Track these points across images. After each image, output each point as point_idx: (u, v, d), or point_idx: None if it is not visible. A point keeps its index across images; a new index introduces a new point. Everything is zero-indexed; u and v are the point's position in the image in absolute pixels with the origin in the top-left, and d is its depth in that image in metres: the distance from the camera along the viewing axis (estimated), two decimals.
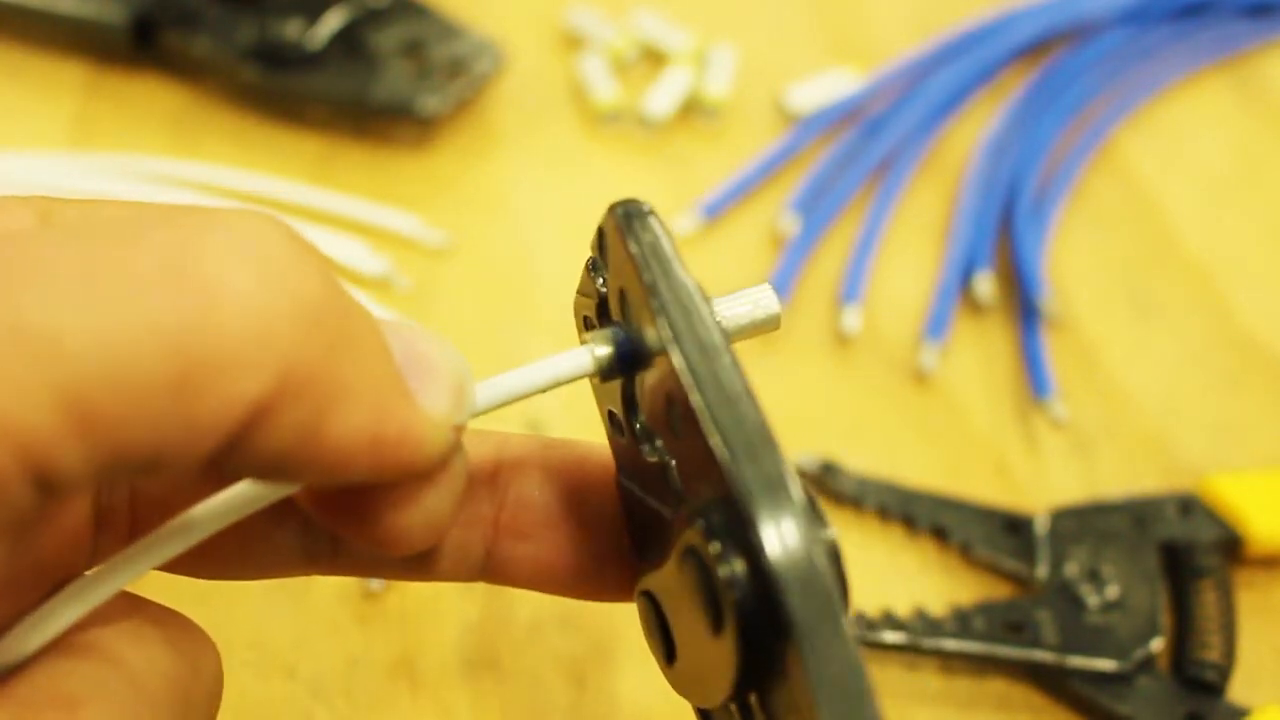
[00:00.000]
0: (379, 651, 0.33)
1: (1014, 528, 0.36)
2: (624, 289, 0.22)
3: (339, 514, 0.20)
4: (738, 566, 0.18)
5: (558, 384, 0.22)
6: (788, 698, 0.18)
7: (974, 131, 0.50)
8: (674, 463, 0.21)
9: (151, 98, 0.48)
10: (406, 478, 0.20)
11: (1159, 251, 0.47)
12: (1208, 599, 0.34)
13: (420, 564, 0.24)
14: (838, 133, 0.49)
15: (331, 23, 0.46)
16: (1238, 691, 0.33)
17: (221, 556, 0.22)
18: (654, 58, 0.52)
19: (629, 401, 0.23)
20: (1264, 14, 0.57)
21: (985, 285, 0.43)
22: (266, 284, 0.16)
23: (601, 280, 0.23)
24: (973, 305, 0.44)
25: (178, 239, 0.16)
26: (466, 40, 0.48)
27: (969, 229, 0.45)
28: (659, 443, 0.22)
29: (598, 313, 0.23)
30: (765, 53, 0.53)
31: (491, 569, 0.24)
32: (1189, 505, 0.36)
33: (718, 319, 0.21)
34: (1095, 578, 0.34)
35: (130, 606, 0.20)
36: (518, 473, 0.24)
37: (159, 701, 0.19)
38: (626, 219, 0.21)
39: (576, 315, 0.25)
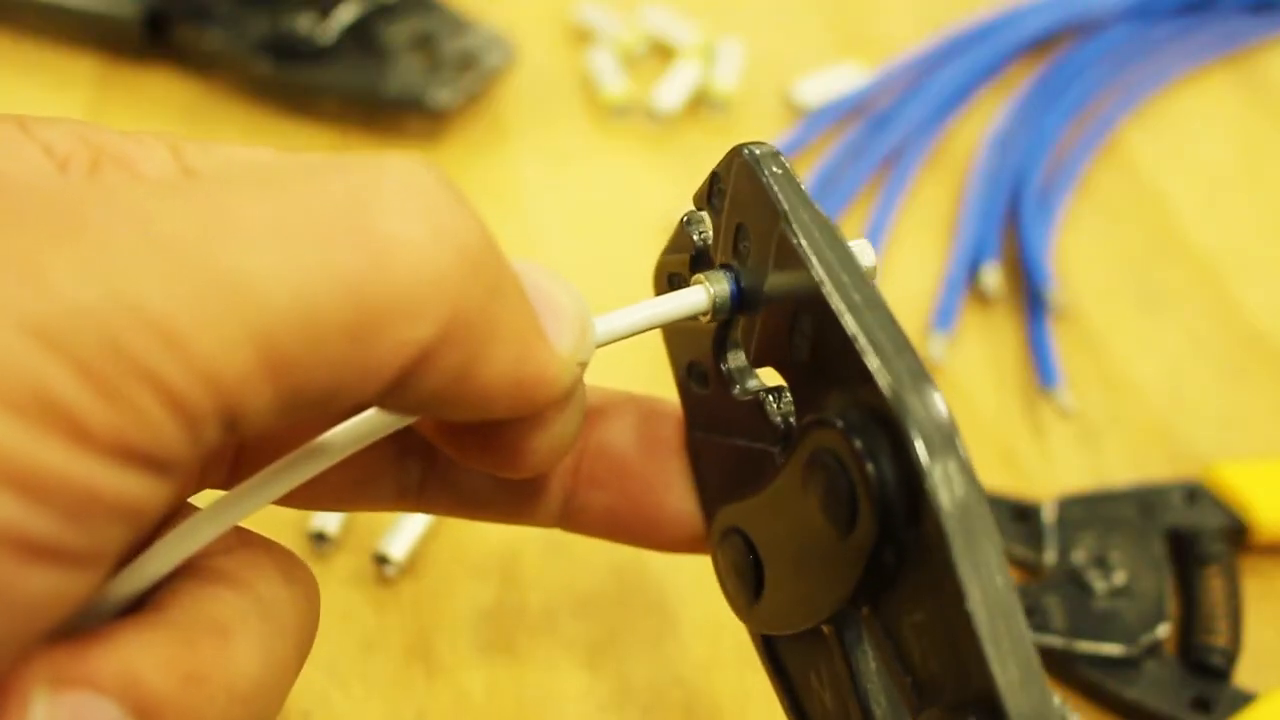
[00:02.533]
0: (394, 636, 0.33)
1: (1022, 515, 0.36)
2: (744, 224, 0.23)
3: (466, 440, 0.21)
4: (883, 462, 0.19)
5: (671, 320, 0.23)
6: (913, 597, 0.19)
7: (981, 125, 0.51)
8: (779, 396, 0.23)
9: (163, 91, 0.48)
10: (538, 411, 0.20)
11: (1164, 244, 0.47)
12: (1214, 585, 0.34)
13: (503, 507, 0.25)
14: (845, 126, 0.50)
15: (343, 16, 0.47)
16: (1244, 676, 0.33)
17: (325, 487, 0.22)
18: (663, 52, 0.53)
19: (720, 345, 0.24)
20: (1267, 10, 0.57)
21: (992, 277, 0.44)
22: (437, 235, 0.17)
23: (701, 231, 0.24)
24: (980, 297, 0.44)
25: (354, 189, 0.17)
26: (477, 34, 0.48)
27: (976, 221, 0.46)
28: (752, 382, 0.23)
29: (690, 268, 0.24)
30: (773, 47, 0.53)
31: (569, 515, 0.25)
32: (1195, 493, 0.37)
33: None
34: (1103, 564, 0.35)
35: (244, 538, 0.20)
36: (597, 422, 0.25)
37: (288, 630, 0.19)
38: (756, 156, 0.22)
39: (659, 275, 0.26)
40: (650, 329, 0.23)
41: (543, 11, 0.54)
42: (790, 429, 0.23)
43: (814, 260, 0.21)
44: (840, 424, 0.19)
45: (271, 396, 0.16)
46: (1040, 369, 0.41)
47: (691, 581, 0.35)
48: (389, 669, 0.32)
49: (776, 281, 0.22)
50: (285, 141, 0.47)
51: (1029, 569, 0.36)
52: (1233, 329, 0.44)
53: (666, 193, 0.47)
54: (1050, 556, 0.35)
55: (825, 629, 0.21)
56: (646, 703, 0.32)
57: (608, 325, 0.22)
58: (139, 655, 0.17)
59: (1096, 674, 0.33)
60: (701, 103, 0.50)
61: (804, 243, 0.21)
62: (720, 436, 0.24)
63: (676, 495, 0.25)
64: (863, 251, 0.21)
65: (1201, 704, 0.32)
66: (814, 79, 0.51)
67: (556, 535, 0.36)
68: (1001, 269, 0.44)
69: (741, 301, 0.23)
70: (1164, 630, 0.33)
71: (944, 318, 0.42)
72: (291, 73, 0.46)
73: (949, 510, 0.18)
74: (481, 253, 0.18)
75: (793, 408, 0.23)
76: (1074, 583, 0.34)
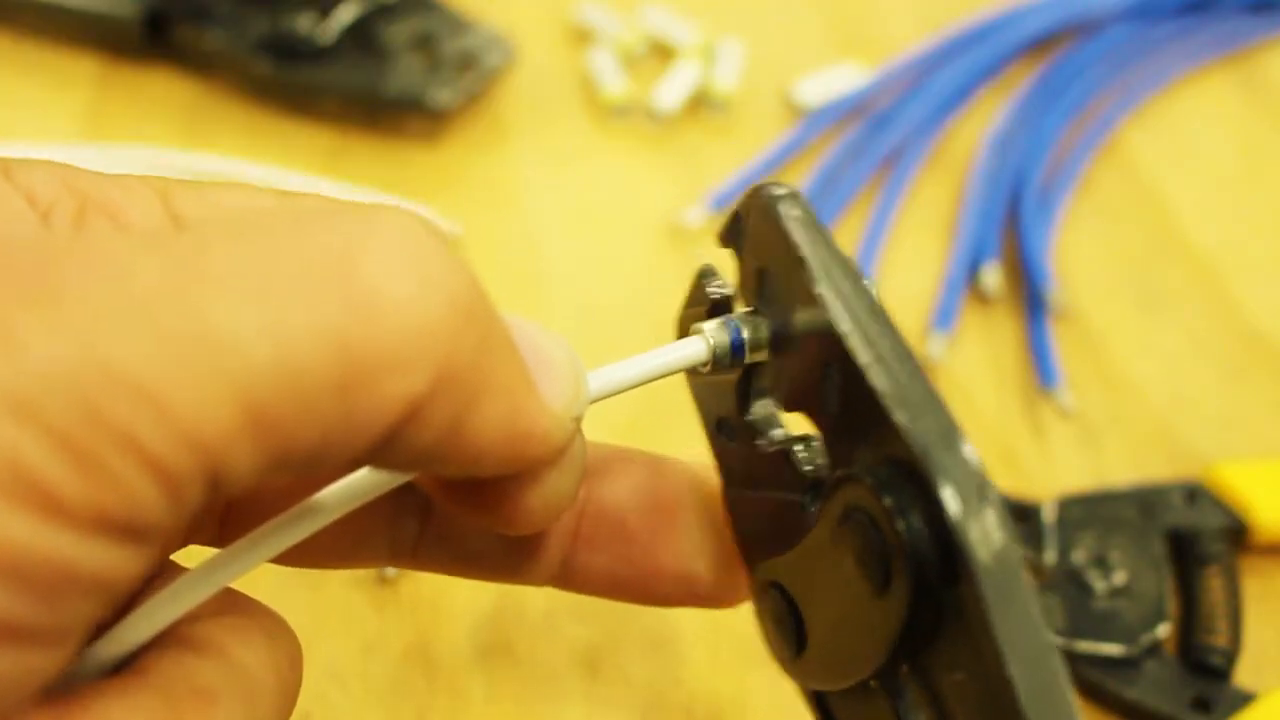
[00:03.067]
0: (394, 638, 0.33)
1: (1022, 515, 0.36)
2: (767, 269, 0.22)
3: (462, 496, 0.21)
4: (914, 519, 0.18)
5: (669, 373, 0.23)
6: (951, 656, 0.19)
7: (981, 125, 0.51)
8: (807, 444, 0.22)
9: (163, 91, 0.48)
10: (532, 468, 0.20)
11: (1164, 244, 0.47)
12: (1214, 585, 0.34)
13: (499, 566, 0.25)
14: (845, 126, 0.50)
15: (343, 16, 0.47)
16: (1244, 676, 0.33)
17: (316, 546, 0.22)
18: (662, 52, 0.53)
19: (743, 395, 0.23)
20: (1267, 10, 0.57)
21: (992, 277, 0.44)
22: (426, 287, 0.17)
23: (717, 285, 0.24)
24: (980, 297, 0.44)
25: (341, 242, 0.17)
26: (477, 34, 0.48)
27: (976, 221, 0.46)
28: (777, 432, 0.23)
29: (709, 317, 0.24)
30: (773, 47, 0.53)
31: (566, 576, 0.25)
32: (1195, 493, 0.37)
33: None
34: (1102, 564, 0.35)
35: (230, 599, 0.20)
36: (598, 482, 0.25)
37: (270, 695, 0.19)
38: (774, 198, 0.22)
39: (680, 329, 0.25)
40: (648, 382, 0.23)
41: (543, 11, 0.54)
42: (821, 479, 0.22)
43: (839, 309, 0.20)
44: (870, 480, 0.19)
45: (257, 455, 0.16)
46: (1040, 369, 0.41)
47: None
48: (389, 670, 0.32)
49: (802, 328, 0.21)
50: (285, 141, 0.47)
51: (1029, 569, 0.36)
52: (1233, 329, 0.44)
53: (666, 193, 0.47)
54: (1050, 556, 0.35)
55: (872, 683, 0.21)
56: (646, 703, 0.32)
57: (603, 379, 0.22)
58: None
59: (1096, 674, 0.33)
60: (701, 103, 0.50)
61: (826, 291, 0.20)
62: (753, 490, 0.24)
63: (676, 556, 0.25)
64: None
65: (1201, 704, 0.32)
66: (814, 79, 0.51)
67: None
68: (1001, 269, 0.44)
69: (744, 351, 0.23)
70: (1164, 630, 0.33)
71: (944, 318, 0.42)
72: (291, 73, 0.46)
73: (987, 566, 0.17)
74: (472, 304, 0.18)
75: (823, 456, 0.22)
76: (1074, 583, 0.34)
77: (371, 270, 0.16)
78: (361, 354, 0.16)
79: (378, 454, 0.18)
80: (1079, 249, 0.46)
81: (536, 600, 0.34)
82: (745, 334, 0.23)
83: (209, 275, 0.16)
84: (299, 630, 0.33)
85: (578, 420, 0.21)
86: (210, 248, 0.16)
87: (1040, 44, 0.55)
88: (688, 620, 0.34)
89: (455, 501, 0.22)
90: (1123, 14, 0.55)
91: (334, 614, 0.33)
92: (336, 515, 0.20)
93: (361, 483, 0.20)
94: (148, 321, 0.15)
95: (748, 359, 0.23)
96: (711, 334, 0.23)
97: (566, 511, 0.22)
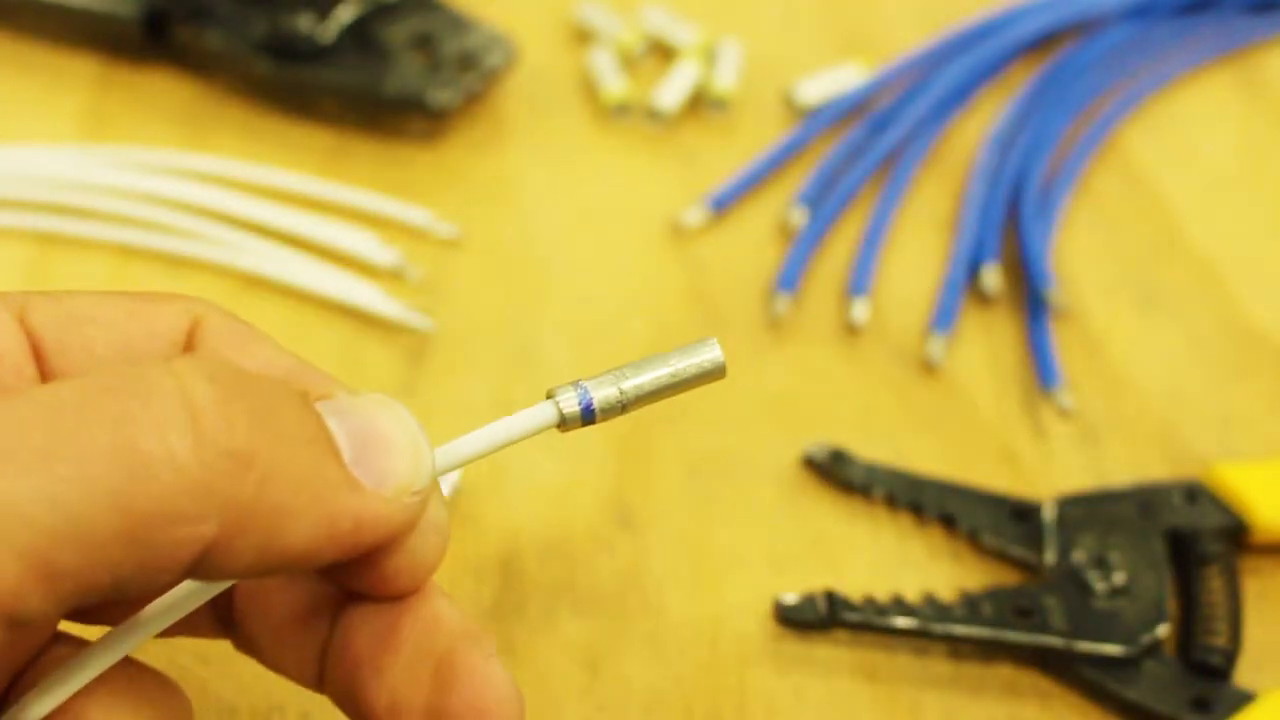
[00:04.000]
0: None
1: (1021, 515, 0.36)
2: None
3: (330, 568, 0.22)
4: None
5: (521, 439, 0.24)
6: None
7: (981, 125, 0.51)
8: None
9: (163, 91, 0.48)
10: (376, 547, 0.21)
11: (1164, 244, 0.47)
12: (1214, 585, 0.34)
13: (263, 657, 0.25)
14: (845, 126, 0.50)
15: (343, 16, 0.47)
16: (1244, 675, 0.33)
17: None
18: (662, 51, 0.53)
19: None
20: (1267, 10, 0.57)
21: (992, 277, 0.44)
22: (199, 444, 0.19)
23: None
24: (979, 297, 0.44)
25: (121, 409, 0.19)
26: (477, 34, 0.48)
27: (976, 222, 0.46)
28: None
29: None
30: (773, 47, 0.53)
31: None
32: (1195, 493, 0.37)
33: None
34: (1102, 564, 0.35)
35: (114, 671, 0.22)
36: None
37: None
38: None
39: None
40: (500, 449, 0.24)
41: (543, 11, 0.54)
42: None
43: None
44: None
45: (51, 599, 0.18)
46: (1040, 369, 0.41)
47: (691, 581, 0.35)
48: None
49: None
50: (284, 141, 0.47)
51: (1029, 569, 0.36)
52: (1233, 329, 0.44)
53: (666, 193, 0.47)
54: (1050, 556, 0.35)
55: None
56: (646, 703, 0.32)
57: (453, 451, 0.23)
58: None
59: (1096, 674, 0.33)
60: (701, 103, 0.50)
61: None
62: None
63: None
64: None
65: (1201, 704, 0.32)
66: (814, 79, 0.51)
67: (556, 536, 0.36)
68: (1001, 269, 0.44)
69: (594, 415, 0.24)
70: (1164, 630, 0.33)
71: (944, 318, 0.42)
72: (291, 73, 0.46)
73: None
74: (250, 444, 0.19)
75: None
76: (1074, 583, 0.34)
77: (145, 433, 0.18)
78: (143, 511, 0.18)
79: (190, 576, 0.19)
80: (1079, 249, 0.46)
81: (536, 598, 0.34)
82: (595, 397, 0.24)
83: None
84: None
85: (421, 493, 0.22)
86: (2, 423, 0.18)
87: (1040, 44, 0.55)
88: (688, 620, 0.34)
89: (324, 571, 0.23)
90: (1123, 14, 0.55)
91: None
92: (161, 627, 0.22)
93: (184, 594, 0.22)
94: None
95: (599, 421, 0.24)
96: (561, 398, 0.24)
97: (438, 565, 0.23)
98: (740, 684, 0.33)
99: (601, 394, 0.24)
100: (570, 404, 0.24)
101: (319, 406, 0.21)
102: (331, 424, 0.21)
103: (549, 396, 0.24)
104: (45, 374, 0.24)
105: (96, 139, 0.46)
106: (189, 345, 0.25)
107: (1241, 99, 0.54)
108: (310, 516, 0.20)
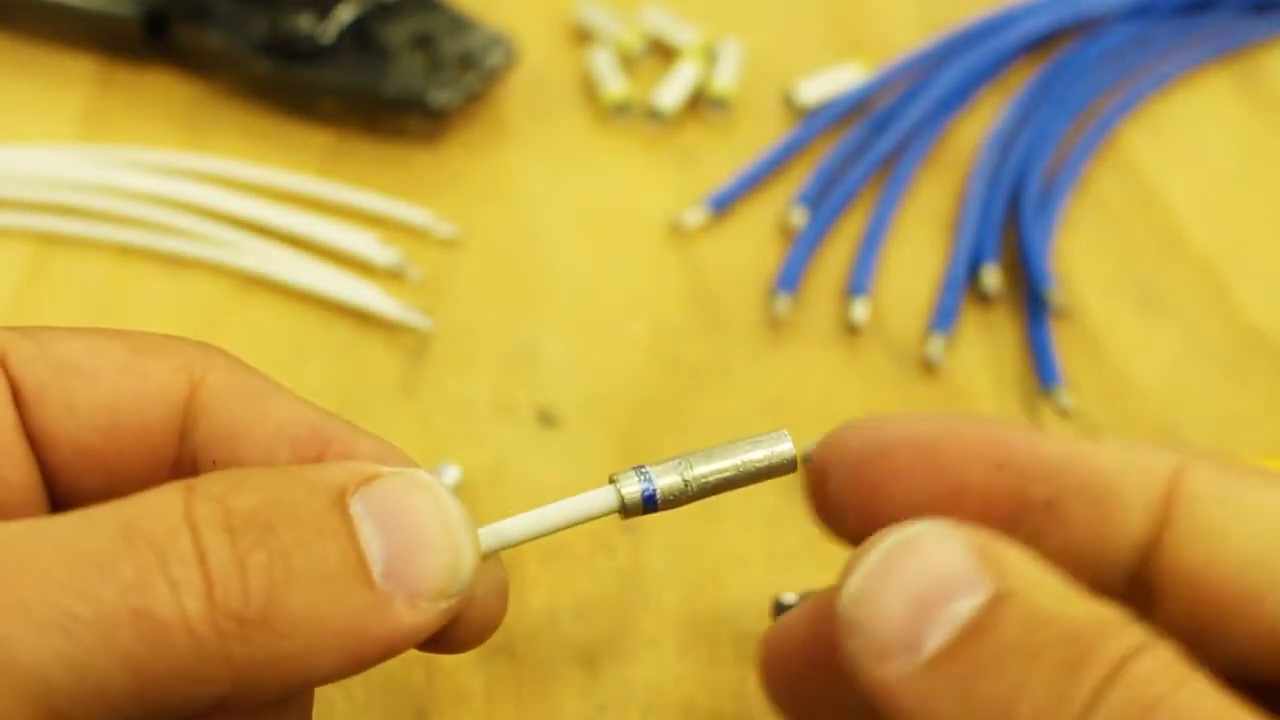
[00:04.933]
0: None
1: None
2: None
3: None
4: None
5: (577, 523, 0.24)
6: None
7: (981, 125, 0.51)
8: None
9: (162, 91, 0.48)
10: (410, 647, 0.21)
11: (1164, 244, 0.47)
12: None
13: None
14: (845, 126, 0.50)
15: (343, 16, 0.47)
16: None
17: None
18: (662, 52, 0.53)
19: None
20: (1267, 10, 0.57)
21: (992, 277, 0.44)
22: (214, 612, 0.19)
23: None
24: (979, 297, 0.44)
25: (140, 575, 0.19)
26: (478, 34, 0.48)
27: (976, 221, 0.46)
28: None
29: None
30: (773, 47, 0.53)
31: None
32: None
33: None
34: None
35: None
36: None
37: None
38: None
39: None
40: (555, 532, 0.24)
41: (543, 11, 0.54)
42: None
43: None
44: None
45: None
46: (1040, 369, 0.41)
47: (692, 581, 0.35)
48: (389, 669, 0.32)
49: None
50: (284, 141, 0.47)
51: None
52: (1234, 330, 0.44)
53: (666, 193, 0.47)
54: None
55: None
56: (646, 703, 0.32)
57: (502, 532, 0.23)
58: None
59: None
60: (701, 103, 0.50)
61: None
62: None
63: None
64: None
65: None
66: (814, 79, 0.51)
67: (556, 536, 0.36)
68: (1001, 269, 0.44)
69: (656, 503, 0.24)
70: None
71: (944, 318, 0.42)
72: (291, 73, 0.46)
73: None
74: (266, 605, 0.19)
75: None
76: None
77: (164, 601, 0.19)
78: (156, 674, 0.18)
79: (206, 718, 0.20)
80: (1079, 249, 0.46)
81: (536, 598, 0.34)
82: (659, 485, 0.24)
83: (14, 607, 0.18)
84: None
85: (461, 594, 0.21)
86: (22, 576, 0.18)
87: (1040, 44, 0.55)
88: (687, 620, 0.34)
89: None
90: (1123, 14, 0.55)
91: None
92: None
93: None
94: None
95: (661, 509, 0.24)
96: (624, 483, 0.24)
97: (500, 621, 0.24)
98: (740, 684, 0.33)
99: (664, 482, 0.24)
100: (632, 491, 0.24)
101: (352, 509, 0.21)
102: (364, 531, 0.20)
103: (611, 481, 0.24)
104: (25, 420, 0.23)
105: (96, 139, 0.46)
106: (188, 413, 0.24)
107: (1240, 99, 0.54)
108: (334, 651, 0.20)
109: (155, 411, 0.23)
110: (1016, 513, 0.22)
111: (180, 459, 0.24)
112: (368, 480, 0.21)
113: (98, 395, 0.23)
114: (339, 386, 0.39)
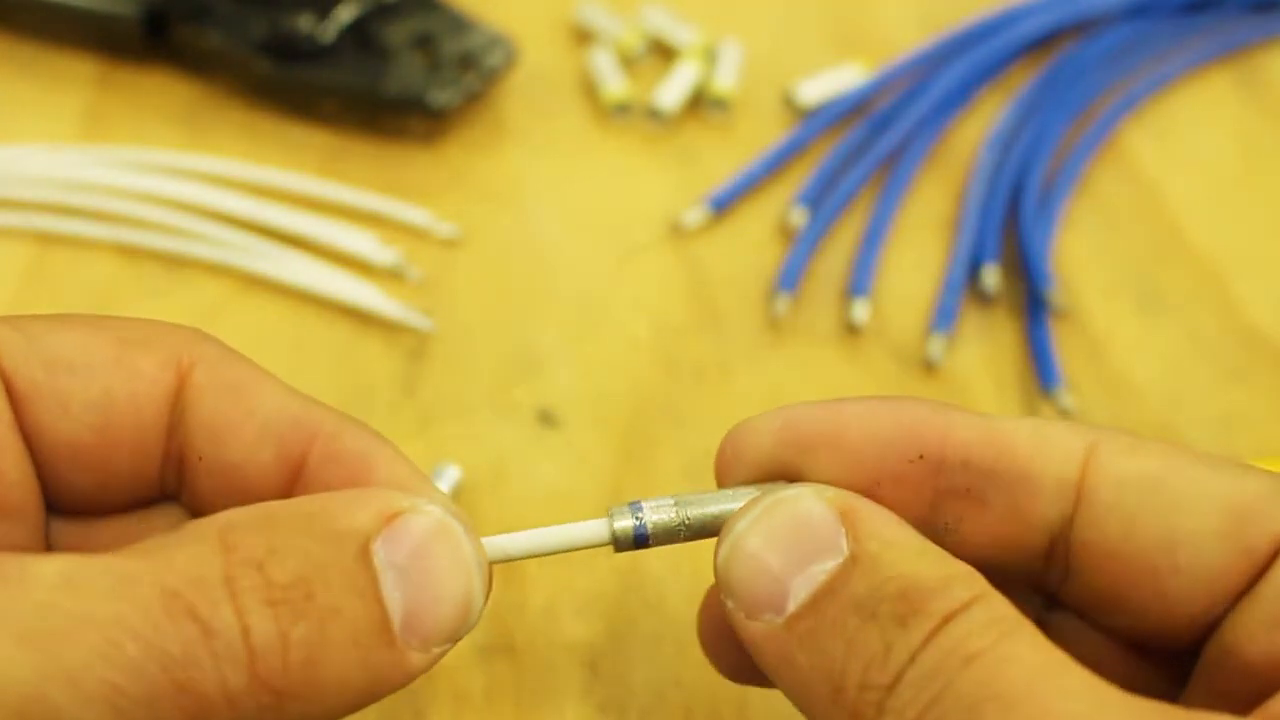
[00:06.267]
0: None
1: None
2: None
3: None
4: None
5: (569, 549, 0.25)
6: None
7: (981, 125, 0.51)
8: None
9: (163, 91, 0.48)
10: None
11: (1165, 244, 0.47)
12: None
13: None
14: (845, 126, 0.50)
15: (343, 16, 0.47)
16: None
17: None
18: (663, 52, 0.53)
19: None
20: (1267, 10, 0.57)
21: (992, 278, 0.44)
22: (254, 686, 0.19)
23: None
24: (980, 297, 0.44)
25: (186, 649, 0.19)
26: (478, 34, 0.48)
27: (976, 222, 0.46)
28: None
29: None
30: (773, 47, 0.53)
31: None
32: None
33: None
34: None
35: None
36: None
37: None
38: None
39: None
40: (548, 554, 0.25)
41: (543, 11, 0.54)
42: None
43: None
44: None
45: None
46: (1040, 370, 0.41)
47: (691, 581, 0.35)
48: None
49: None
50: (284, 141, 0.47)
51: None
52: (1234, 330, 0.44)
53: (666, 193, 0.47)
54: None
55: None
56: (646, 703, 0.32)
57: (500, 546, 0.24)
58: None
59: None
60: (701, 103, 0.50)
61: None
62: None
63: None
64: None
65: None
66: (814, 79, 0.51)
67: None
68: (1001, 270, 0.44)
69: (648, 538, 0.24)
70: None
71: (944, 318, 0.42)
72: (291, 73, 0.46)
73: None
74: (307, 671, 0.20)
75: None
76: None
77: (208, 677, 0.19)
78: None
79: None
80: (1079, 249, 0.46)
81: (536, 598, 0.34)
82: (650, 521, 0.24)
83: (63, 679, 0.18)
84: None
85: (459, 636, 0.23)
86: (65, 646, 0.18)
87: (1040, 44, 0.55)
88: (688, 618, 0.34)
89: None
90: (1123, 14, 0.55)
91: None
92: None
93: None
94: None
95: (652, 545, 0.24)
96: (617, 518, 0.24)
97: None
98: (739, 685, 0.33)
99: (656, 518, 0.24)
100: (624, 525, 0.24)
101: (375, 558, 0.21)
102: (386, 585, 0.21)
103: (608, 514, 0.25)
104: (20, 417, 0.23)
105: (96, 139, 0.46)
106: (177, 403, 0.24)
107: (1241, 99, 0.54)
108: (352, 704, 0.21)
109: (146, 408, 0.23)
110: (936, 499, 0.23)
111: (168, 452, 0.24)
112: (390, 520, 0.22)
113: (90, 393, 0.23)
114: (339, 386, 0.39)
